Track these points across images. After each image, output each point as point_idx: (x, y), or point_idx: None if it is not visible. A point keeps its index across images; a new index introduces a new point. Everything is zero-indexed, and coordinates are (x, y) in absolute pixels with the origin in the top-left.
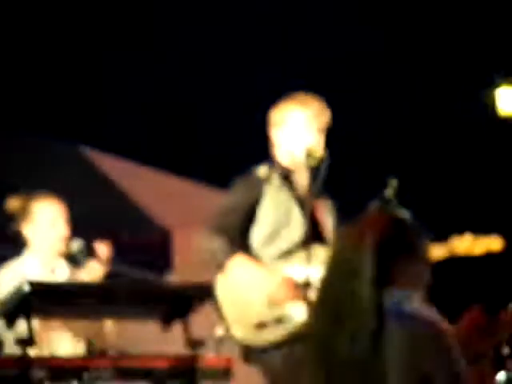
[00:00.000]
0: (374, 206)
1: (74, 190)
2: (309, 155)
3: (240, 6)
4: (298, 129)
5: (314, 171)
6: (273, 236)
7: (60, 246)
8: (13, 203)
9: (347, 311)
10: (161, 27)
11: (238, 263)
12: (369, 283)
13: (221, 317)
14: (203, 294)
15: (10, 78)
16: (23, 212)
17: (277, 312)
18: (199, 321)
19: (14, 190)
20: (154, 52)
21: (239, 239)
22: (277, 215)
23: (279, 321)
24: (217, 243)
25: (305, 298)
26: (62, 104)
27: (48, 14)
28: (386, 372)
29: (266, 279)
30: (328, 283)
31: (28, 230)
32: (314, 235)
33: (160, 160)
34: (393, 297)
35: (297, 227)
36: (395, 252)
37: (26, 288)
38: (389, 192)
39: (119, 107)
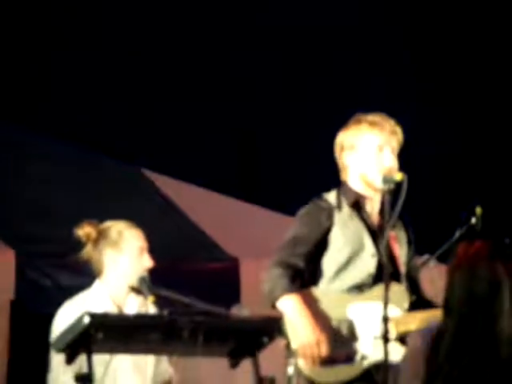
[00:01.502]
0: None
1: (138, 215)
2: (386, 179)
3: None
4: (371, 151)
5: (391, 197)
6: (343, 268)
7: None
8: (86, 229)
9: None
10: (212, 58)
11: (287, 305)
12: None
13: (290, 353)
14: (273, 328)
15: None
16: (99, 239)
17: (346, 348)
18: (269, 358)
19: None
20: (209, 79)
21: (306, 272)
22: (348, 246)
23: (349, 358)
24: (278, 279)
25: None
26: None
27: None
28: None
29: (303, 332)
30: (465, 323)
31: (110, 258)
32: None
33: (226, 186)
34: None
35: (369, 259)
36: None
37: (87, 320)
38: (474, 220)
39: (179, 132)
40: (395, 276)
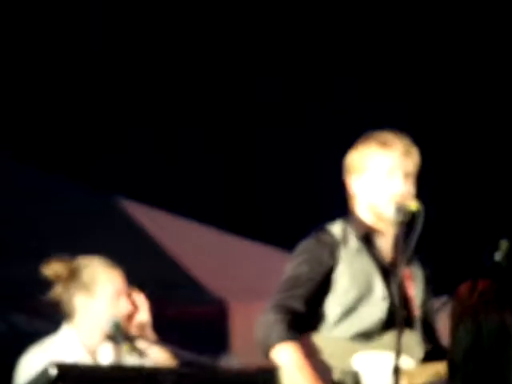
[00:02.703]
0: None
1: (110, 251)
2: (399, 209)
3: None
4: (380, 176)
5: (405, 230)
6: (349, 312)
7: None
8: (55, 267)
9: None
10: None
11: (284, 355)
12: None
13: None
14: (267, 381)
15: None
16: (70, 279)
17: None
18: None
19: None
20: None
21: (305, 317)
22: (355, 287)
23: None
24: (274, 325)
25: None
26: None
27: None
28: None
29: None
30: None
31: (82, 303)
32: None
33: (212, 216)
34: None
35: (379, 303)
36: None
37: (53, 371)
38: (499, 256)
39: (159, 156)
40: (408, 321)
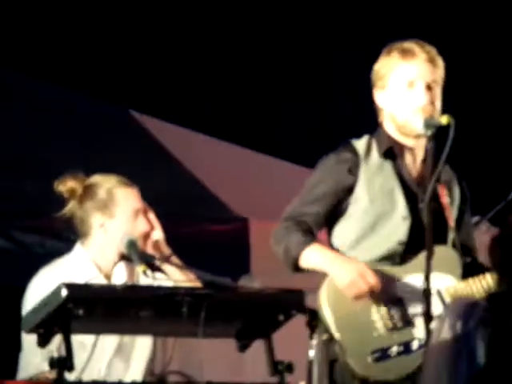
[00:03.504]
0: None
1: (125, 165)
2: (428, 123)
3: None
4: (402, 87)
5: (434, 144)
6: (366, 234)
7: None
8: (70, 184)
9: None
10: None
11: (312, 256)
12: None
13: (317, 331)
14: (290, 303)
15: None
16: (85, 197)
17: (400, 337)
18: (286, 339)
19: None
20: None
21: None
22: (373, 207)
23: (406, 349)
24: (290, 235)
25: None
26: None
27: None
28: None
29: (342, 270)
30: None
31: (98, 222)
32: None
33: (232, 132)
34: None
35: (399, 223)
36: None
37: (64, 293)
38: None
39: (177, 69)
40: (443, 229)
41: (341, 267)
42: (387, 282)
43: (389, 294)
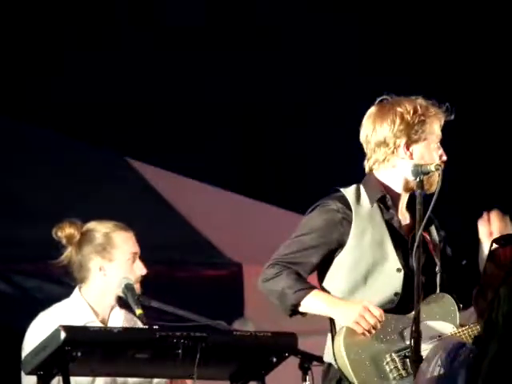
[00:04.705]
0: None
1: (123, 213)
2: (417, 170)
3: None
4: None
5: (423, 193)
6: (359, 286)
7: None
8: (68, 230)
9: None
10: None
11: (313, 300)
12: None
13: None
14: (284, 346)
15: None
16: (83, 242)
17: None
18: (279, 381)
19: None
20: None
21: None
22: (365, 256)
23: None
24: (288, 283)
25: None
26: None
27: None
28: None
29: (346, 309)
30: None
31: (96, 266)
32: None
33: (227, 179)
34: None
35: (393, 274)
36: None
37: (62, 335)
38: None
39: (173, 116)
40: (433, 274)
41: (344, 307)
42: (392, 321)
43: (396, 334)
